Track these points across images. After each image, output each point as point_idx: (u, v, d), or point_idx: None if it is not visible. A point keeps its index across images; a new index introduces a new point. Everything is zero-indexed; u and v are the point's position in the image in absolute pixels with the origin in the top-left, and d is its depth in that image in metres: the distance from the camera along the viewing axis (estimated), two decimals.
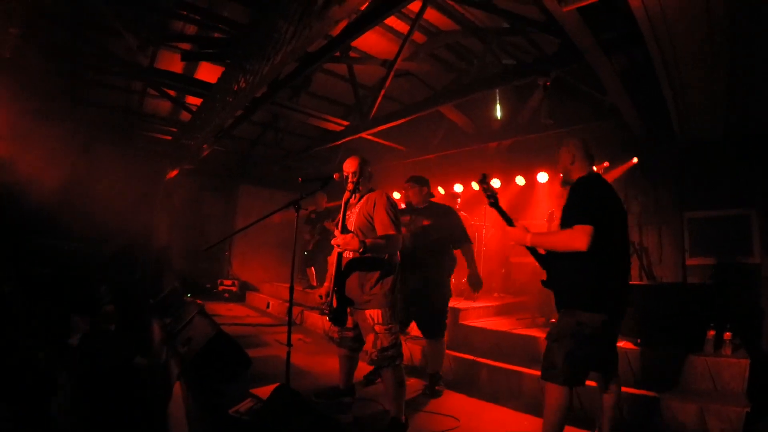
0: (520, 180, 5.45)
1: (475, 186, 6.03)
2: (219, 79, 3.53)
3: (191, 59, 4.30)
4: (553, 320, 3.45)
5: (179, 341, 3.00)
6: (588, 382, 2.13)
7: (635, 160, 4.54)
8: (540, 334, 3.32)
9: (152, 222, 6.93)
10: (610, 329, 1.87)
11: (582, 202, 1.85)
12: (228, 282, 7.29)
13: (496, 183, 5.74)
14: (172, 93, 5.16)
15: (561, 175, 2.12)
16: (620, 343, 2.81)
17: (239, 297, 7.27)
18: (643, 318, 2.91)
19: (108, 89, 5.67)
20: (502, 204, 2.14)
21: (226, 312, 6.00)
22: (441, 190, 6.67)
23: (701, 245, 4.42)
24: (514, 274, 5.67)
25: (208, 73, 4.90)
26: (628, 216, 2.05)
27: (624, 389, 2.33)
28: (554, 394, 1.83)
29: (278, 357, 3.65)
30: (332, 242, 2.15)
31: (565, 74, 3.58)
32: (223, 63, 3.96)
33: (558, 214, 4.54)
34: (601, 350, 1.89)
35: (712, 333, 2.75)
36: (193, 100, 5.46)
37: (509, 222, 2.07)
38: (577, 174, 2.02)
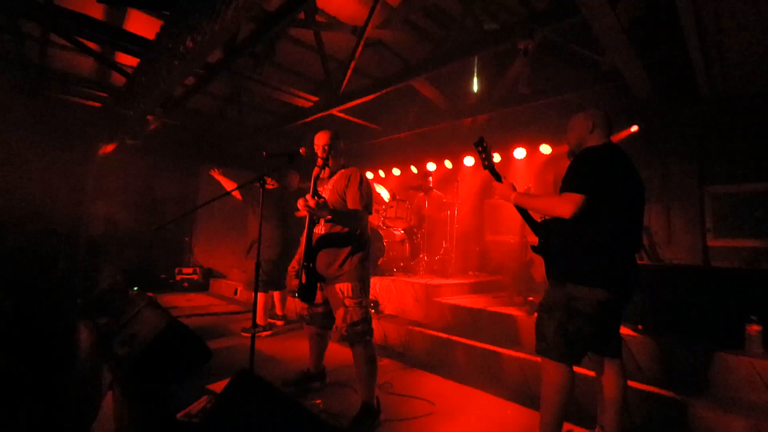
0: (495, 157, 5.32)
1: (431, 166, 5.94)
2: (158, 35, 3.04)
3: (112, 3, 3.55)
4: (531, 298, 3.43)
5: (117, 342, 2.63)
6: (584, 371, 1.98)
7: (634, 128, 4.08)
8: (518, 312, 3.24)
9: (82, 206, 5.93)
10: (611, 308, 1.73)
11: (581, 170, 1.75)
12: (188, 270, 6.75)
13: (469, 161, 5.65)
14: (93, 46, 4.16)
15: (571, 144, 1.99)
16: None
17: (202, 286, 6.79)
18: (648, 302, 2.64)
19: None
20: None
21: (185, 303, 5.57)
22: (414, 169, 6.50)
23: (729, 225, 3.80)
24: (489, 253, 5.62)
25: (144, 25, 4.11)
26: (644, 189, 1.88)
27: (629, 382, 2.14)
28: (551, 371, 1.74)
29: (245, 346, 3.37)
30: (299, 204, 2.03)
31: (554, 35, 3.28)
32: (161, 15, 3.39)
33: (534, 191, 4.47)
34: (601, 329, 1.75)
35: (755, 328, 2.25)
36: (127, 60, 4.49)
37: (498, 178, 2.06)
38: (592, 143, 1.90)
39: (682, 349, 2.39)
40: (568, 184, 1.75)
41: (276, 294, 4.37)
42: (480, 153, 2.13)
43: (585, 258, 1.73)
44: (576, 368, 2.42)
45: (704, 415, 2.02)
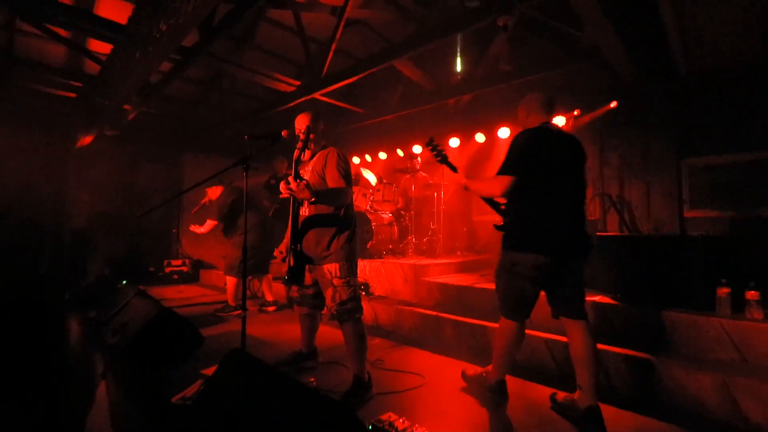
0: (480, 137, 5.36)
1: (417, 149, 5.99)
2: (130, 19, 2.93)
3: None
4: None
5: (108, 331, 2.64)
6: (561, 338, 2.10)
7: (614, 104, 4.17)
8: None
9: (64, 199, 5.83)
10: (549, 270, 1.95)
11: (509, 153, 2.00)
12: (177, 262, 6.69)
13: (455, 142, 5.68)
14: (63, 33, 4.01)
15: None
16: (597, 298, 2.83)
17: (192, 277, 6.76)
18: (625, 272, 2.76)
19: None
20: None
21: (176, 294, 5.55)
22: (400, 152, 6.50)
23: (704, 196, 3.93)
24: (477, 233, 5.72)
25: (116, 9, 3.96)
26: (583, 161, 2.09)
27: (607, 347, 2.35)
28: (502, 324, 2.10)
29: (237, 332, 3.42)
30: (282, 187, 2.03)
31: (534, 10, 3.26)
32: None
33: None
34: (544, 288, 2.02)
35: (724, 291, 2.35)
36: (101, 46, 4.33)
37: (453, 169, 2.30)
38: (529, 127, 2.10)
39: (658, 314, 2.51)
40: (500, 168, 2.00)
41: (263, 280, 4.53)
42: (432, 151, 2.37)
43: (521, 229, 2.01)
44: (556, 336, 2.55)
45: (677, 373, 2.14)
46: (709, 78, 3.87)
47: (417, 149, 6.12)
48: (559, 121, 4.48)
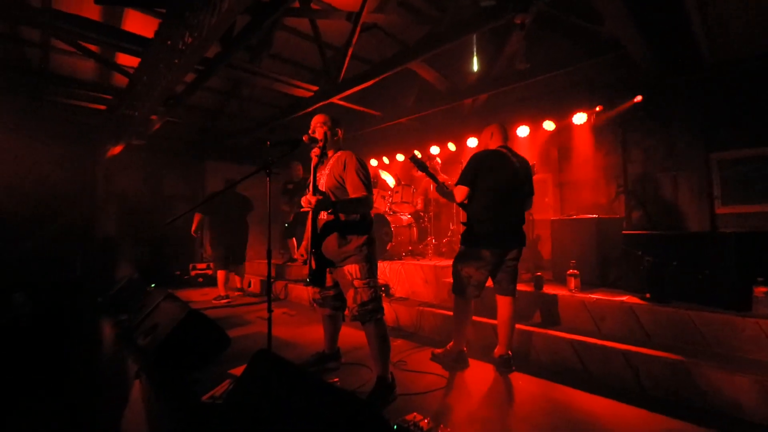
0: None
1: (434, 149, 6.05)
2: (157, 33, 3.05)
3: (110, 2, 3.56)
4: (539, 273, 3.47)
5: (139, 333, 2.75)
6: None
7: (639, 98, 4.04)
8: (525, 287, 3.29)
9: (94, 209, 6.14)
10: (492, 261, 2.53)
11: (465, 169, 2.59)
12: (202, 265, 6.89)
13: (473, 142, 5.63)
14: (93, 48, 4.23)
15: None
16: (625, 298, 2.78)
17: (216, 280, 6.97)
18: (654, 271, 2.69)
19: None
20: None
21: (201, 297, 5.72)
22: (417, 154, 6.46)
23: (737, 191, 3.76)
24: None
25: (141, 24, 4.15)
26: (527, 176, 2.66)
27: (636, 348, 2.35)
28: (454, 301, 2.69)
29: (262, 333, 3.53)
30: (302, 201, 2.08)
31: (550, 7, 3.21)
32: (158, 13, 3.38)
33: (539, 167, 4.46)
34: (486, 276, 2.56)
35: (761, 290, 2.30)
36: (128, 60, 4.54)
37: (435, 179, 2.74)
38: (491, 147, 2.70)
39: (689, 314, 2.42)
40: (459, 179, 2.59)
41: (225, 273, 5.22)
42: (415, 165, 2.73)
43: (473, 229, 2.59)
44: (581, 337, 2.50)
45: (712, 375, 2.06)
46: (736, 67, 3.69)
47: (435, 150, 6.11)
48: (581, 118, 4.39)
